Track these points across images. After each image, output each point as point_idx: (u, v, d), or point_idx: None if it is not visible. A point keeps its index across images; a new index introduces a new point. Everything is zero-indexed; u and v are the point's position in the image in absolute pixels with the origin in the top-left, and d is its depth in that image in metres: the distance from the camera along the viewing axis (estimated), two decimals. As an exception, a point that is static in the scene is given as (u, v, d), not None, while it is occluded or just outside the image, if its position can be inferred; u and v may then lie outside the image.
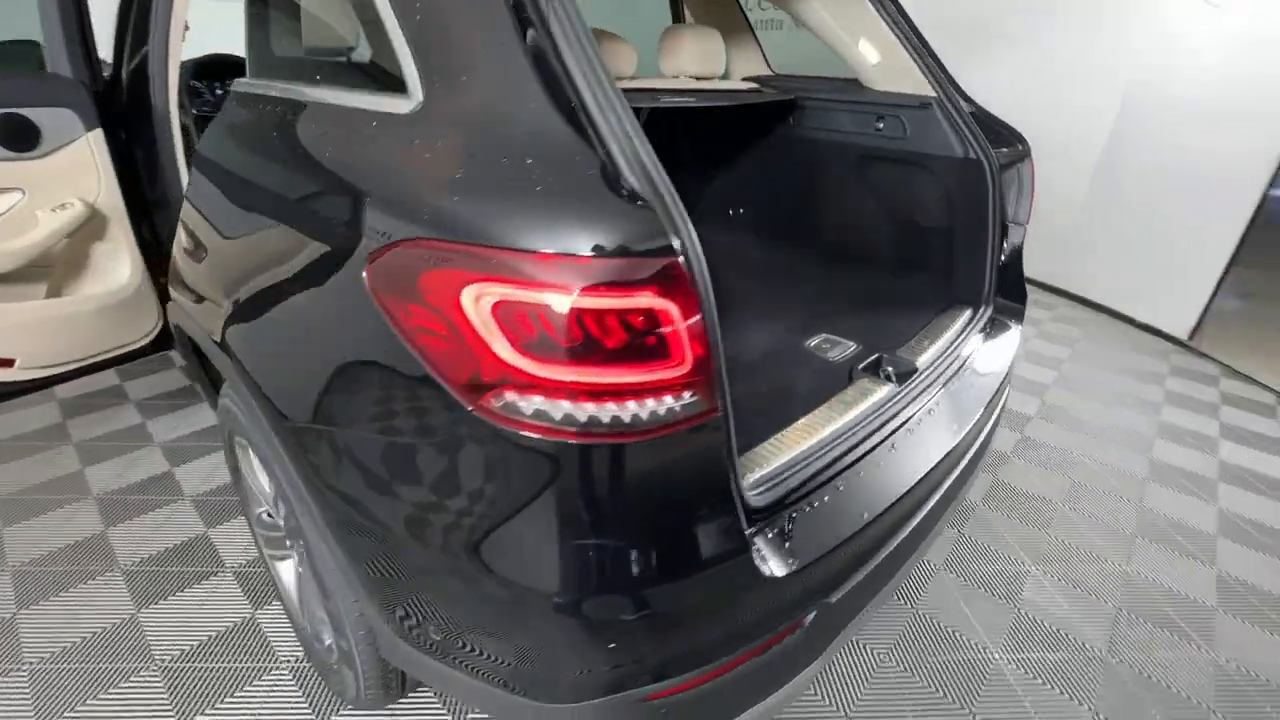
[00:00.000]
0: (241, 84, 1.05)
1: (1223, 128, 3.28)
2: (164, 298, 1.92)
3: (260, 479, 1.31)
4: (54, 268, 1.63)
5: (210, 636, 1.52)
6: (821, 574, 0.84)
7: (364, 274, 0.69)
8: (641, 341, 0.61)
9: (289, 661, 1.47)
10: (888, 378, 1.22)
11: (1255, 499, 2.25)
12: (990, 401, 1.29)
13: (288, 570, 1.47)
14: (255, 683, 1.42)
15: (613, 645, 0.70)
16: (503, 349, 0.62)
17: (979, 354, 1.44)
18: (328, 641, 1.30)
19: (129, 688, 1.40)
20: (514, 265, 0.60)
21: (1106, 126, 3.76)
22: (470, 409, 0.65)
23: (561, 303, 0.60)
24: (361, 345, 0.72)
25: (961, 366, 1.36)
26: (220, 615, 1.57)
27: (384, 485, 0.75)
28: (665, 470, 0.67)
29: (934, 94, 1.56)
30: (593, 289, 0.59)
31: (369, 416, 0.74)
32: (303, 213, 0.78)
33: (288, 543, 1.35)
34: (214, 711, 1.36)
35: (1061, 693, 1.49)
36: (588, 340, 0.61)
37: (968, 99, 1.63)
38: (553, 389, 0.62)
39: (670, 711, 0.78)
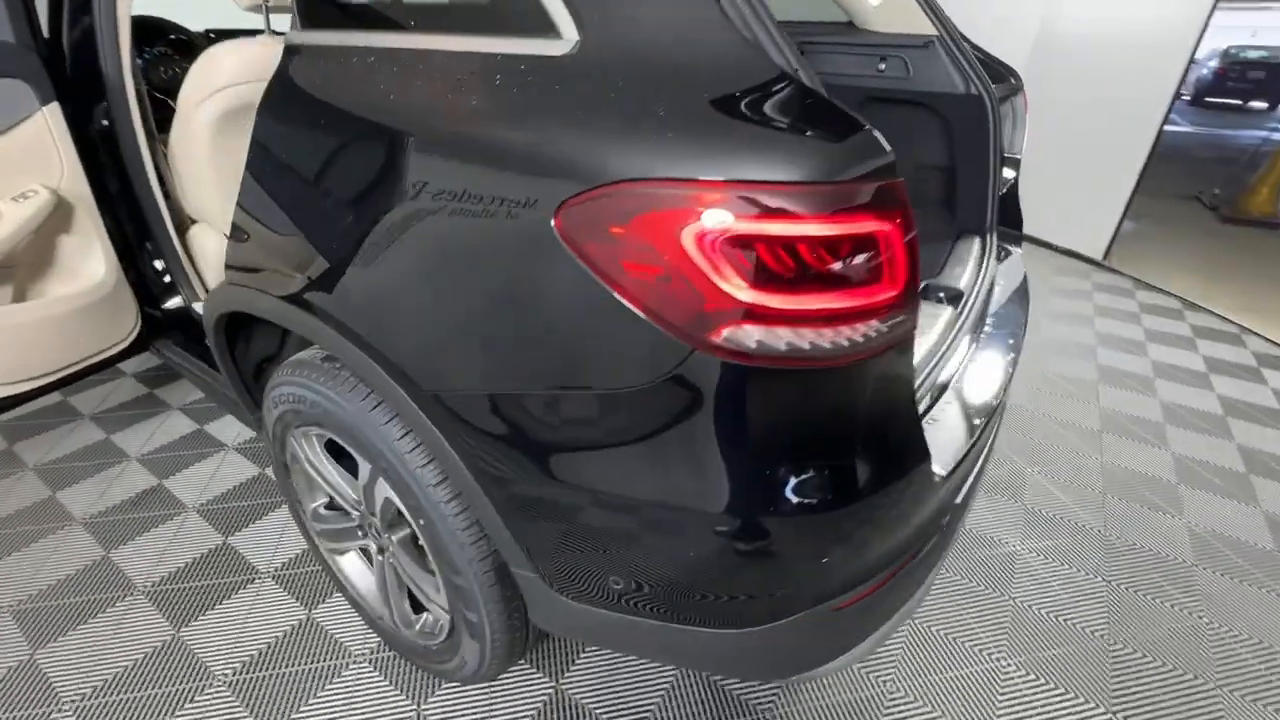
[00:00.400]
0: (300, 37, 0.95)
1: (1125, 69, 3.62)
2: (139, 292, 1.73)
3: (329, 469, 1.24)
4: (17, 267, 1.42)
5: (269, 644, 1.44)
6: (956, 477, 0.92)
7: (552, 223, 0.67)
8: (864, 266, 0.64)
9: (365, 654, 1.42)
10: (940, 301, 1.31)
11: (1185, 389, 2.59)
12: (1026, 313, 1.42)
13: (353, 562, 1.41)
14: (335, 680, 1.37)
15: (825, 560, 0.74)
16: (729, 285, 0.63)
17: (1000, 275, 1.56)
18: (420, 625, 1.27)
19: (198, 708, 1.31)
20: (740, 199, 0.61)
21: (1020, 69, 4.04)
22: (691, 348, 0.66)
23: (792, 232, 0.61)
24: (550, 297, 0.70)
25: (991, 287, 1.47)
26: (272, 621, 1.49)
27: (585, 441, 0.74)
28: (876, 388, 0.70)
29: (935, 32, 1.64)
30: (822, 216, 0.61)
31: (563, 371, 0.72)
32: (450, 167, 0.73)
33: (360, 532, 1.30)
34: (301, 714, 1.30)
35: (1076, 569, 1.70)
36: (815, 268, 0.63)
37: (960, 34, 1.72)
38: (778, 320, 0.64)
39: (850, 618, 0.84)
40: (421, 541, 1.10)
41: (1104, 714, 1.35)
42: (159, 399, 2.29)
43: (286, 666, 1.39)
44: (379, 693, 1.35)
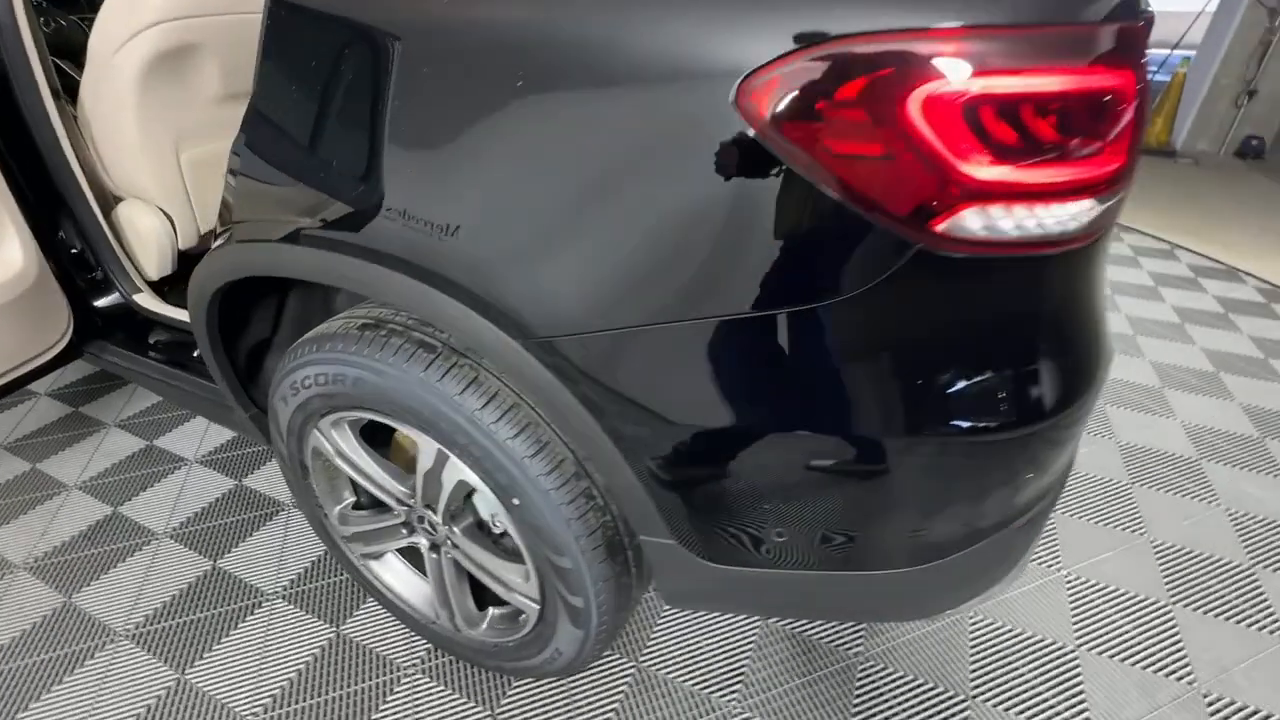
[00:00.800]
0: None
1: None
2: (68, 285, 1.44)
3: (368, 461, 1.06)
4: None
5: (300, 671, 1.25)
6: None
7: (731, 102, 0.55)
8: (1103, 129, 0.55)
9: (415, 664, 1.27)
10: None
11: (1142, 302, 2.76)
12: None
13: (393, 565, 1.24)
14: (389, 698, 1.21)
15: (1030, 475, 0.68)
16: (965, 160, 0.53)
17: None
18: (486, 622, 1.13)
19: (231, 756, 1.12)
20: (981, 50, 0.51)
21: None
22: (912, 242, 0.56)
23: (1042, 88, 0.52)
24: (727, 198, 0.57)
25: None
26: (297, 645, 1.30)
27: (766, 376, 0.62)
28: (1088, 275, 0.64)
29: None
30: (1076, 67, 0.52)
31: (740, 290, 0.60)
32: (583, 49, 0.58)
33: (404, 530, 1.13)
34: (358, 743, 1.14)
35: (1102, 477, 1.76)
36: (1057, 132, 0.54)
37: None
38: (1010, 198, 0.55)
39: (1025, 533, 0.79)
40: (507, 527, 0.96)
41: (1164, 605, 1.40)
42: (89, 417, 1.96)
43: (326, 693, 1.22)
44: (443, 703, 1.20)
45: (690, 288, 0.62)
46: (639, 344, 0.66)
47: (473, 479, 0.91)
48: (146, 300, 1.54)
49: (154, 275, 1.59)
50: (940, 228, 0.55)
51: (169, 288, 1.62)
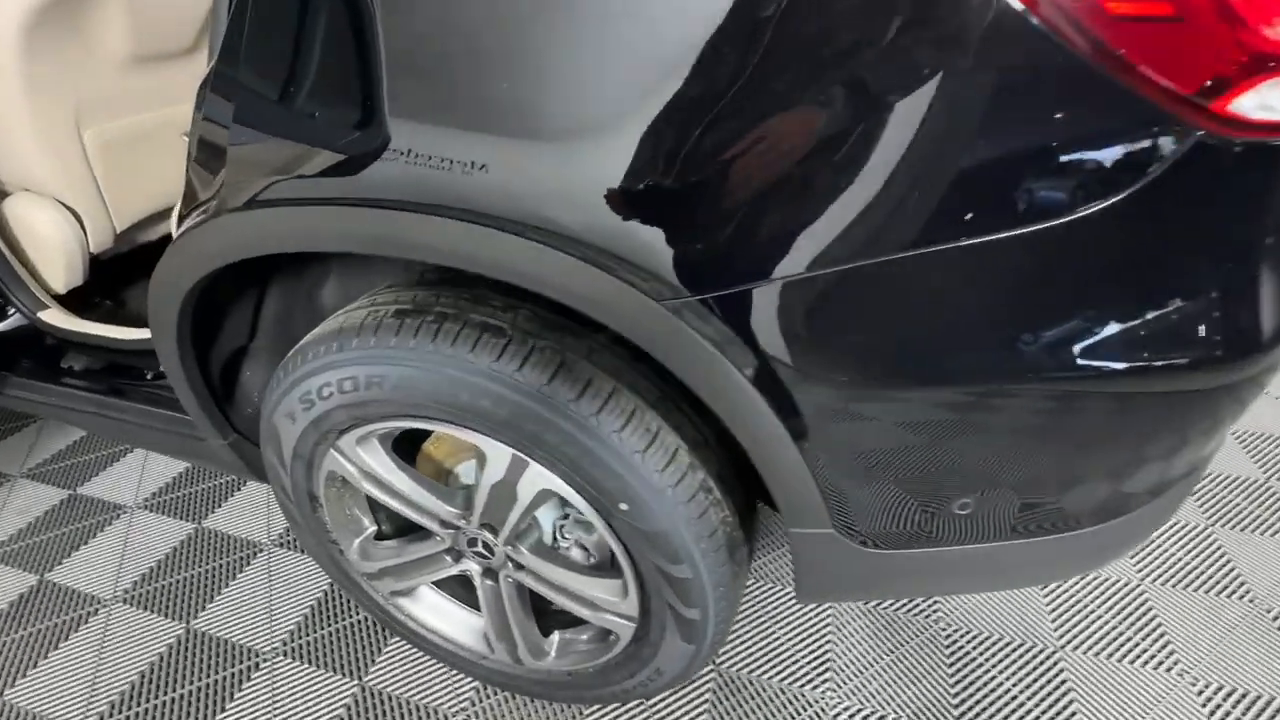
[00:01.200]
0: None
1: None
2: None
3: (405, 479, 0.87)
4: None
5: (325, 738, 1.05)
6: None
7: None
8: None
9: (464, 708, 1.09)
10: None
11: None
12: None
13: (429, 599, 1.05)
14: (442, 754, 1.03)
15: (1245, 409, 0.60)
16: (1269, 21, 0.42)
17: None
18: (554, 650, 0.98)
19: None
20: None
21: None
22: (1193, 126, 0.45)
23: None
24: (959, 90, 0.44)
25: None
26: (312, 711, 1.09)
27: (987, 316, 0.51)
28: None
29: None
30: None
31: (978, 208, 0.47)
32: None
33: (449, 557, 0.95)
34: (418, 814, 0.96)
35: (1110, 410, 1.79)
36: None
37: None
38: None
39: (1194, 478, 0.72)
40: (585, 540, 0.81)
41: (1204, 528, 1.42)
42: (-16, 471, 1.61)
43: (364, 760, 1.03)
44: (508, 749, 1.04)
45: (908, 212, 0.49)
46: (827, 292, 0.53)
47: (561, 487, 0.75)
48: (56, 318, 1.24)
49: (61, 287, 1.29)
50: (1229, 107, 0.45)
51: (83, 301, 1.32)
